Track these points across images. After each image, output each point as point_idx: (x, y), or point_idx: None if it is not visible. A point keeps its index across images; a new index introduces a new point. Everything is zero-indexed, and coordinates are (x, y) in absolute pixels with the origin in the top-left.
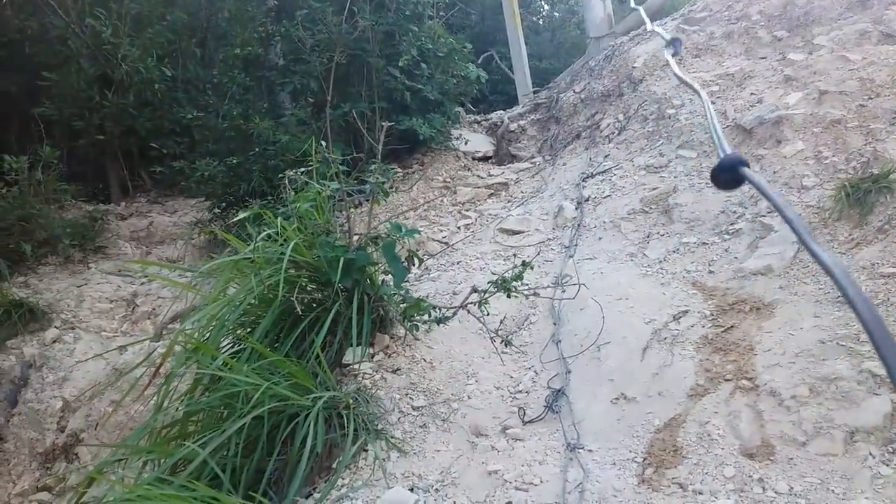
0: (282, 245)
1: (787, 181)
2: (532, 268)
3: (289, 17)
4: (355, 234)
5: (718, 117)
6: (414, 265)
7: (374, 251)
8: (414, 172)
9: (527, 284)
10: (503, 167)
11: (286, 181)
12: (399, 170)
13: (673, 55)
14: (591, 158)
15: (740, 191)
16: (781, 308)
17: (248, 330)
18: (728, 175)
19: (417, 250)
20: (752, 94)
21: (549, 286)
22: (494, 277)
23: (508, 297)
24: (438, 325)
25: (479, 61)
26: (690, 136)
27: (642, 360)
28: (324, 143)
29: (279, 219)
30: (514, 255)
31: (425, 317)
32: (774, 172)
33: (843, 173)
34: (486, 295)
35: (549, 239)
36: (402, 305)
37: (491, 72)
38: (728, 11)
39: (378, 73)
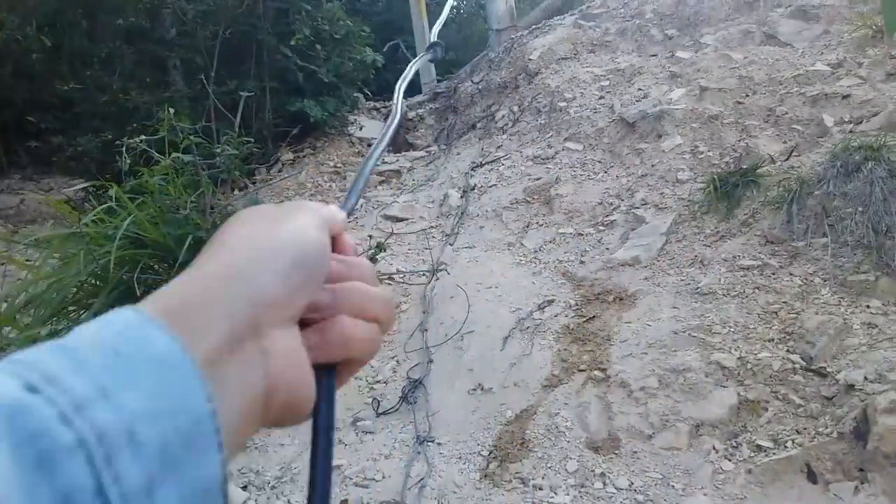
0: (123, 220)
1: (663, 174)
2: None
3: None
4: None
5: (606, 111)
6: None
7: None
8: (305, 156)
9: (402, 272)
10: (398, 155)
11: (124, 150)
12: (290, 154)
13: (430, 60)
14: (483, 149)
15: (618, 183)
16: (643, 299)
17: (80, 313)
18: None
19: None
20: (639, 89)
21: (423, 273)
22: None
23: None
24: None
25: (385, 49)
26: (578, 129)
27: (503, 350)
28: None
29: (122, 193)
30: (390, 244)
31: None
32: (653, 166)
33: (716, 168)
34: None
35: (432, 227)
36: None
37: (397, 61)
38: (624, 9)
39: (270, 52)
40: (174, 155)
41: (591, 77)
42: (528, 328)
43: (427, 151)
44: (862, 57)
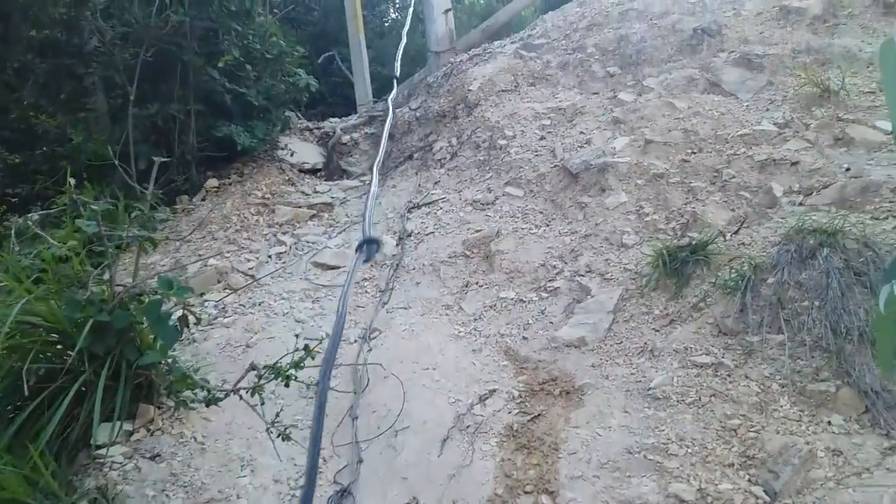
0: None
1: (608, 236)
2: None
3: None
4: (119, 286)
5: (547, 155)
6: (188, 327)
7: (137, 309)
8: (231, 184)
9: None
10: (331, 183)
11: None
12: (216, 181)
13: (364, 261)
14: (420, 184)
15: (561, 242)
16: (592, 395)
17: None
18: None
19: (219, 282)
20: (581, 132)
21: (355, 341)
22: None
23: (286, 386)
24: (208, 406)
25: (320, 61)
26: (519, 173)
27: (441, 455)
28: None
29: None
30: (320, 298)
31: (197, 393)
32: (597, 224)
33: (662, 233)
34: (262, 381)
35: (365, 279)
36: (168, 377)
37: (332, 73)
38: (565, 41)
39: (195, 73)
40: (78, 221)
41: (532, 114)
42: (468, 427)
43: (361, 181)
44: (809, 117)
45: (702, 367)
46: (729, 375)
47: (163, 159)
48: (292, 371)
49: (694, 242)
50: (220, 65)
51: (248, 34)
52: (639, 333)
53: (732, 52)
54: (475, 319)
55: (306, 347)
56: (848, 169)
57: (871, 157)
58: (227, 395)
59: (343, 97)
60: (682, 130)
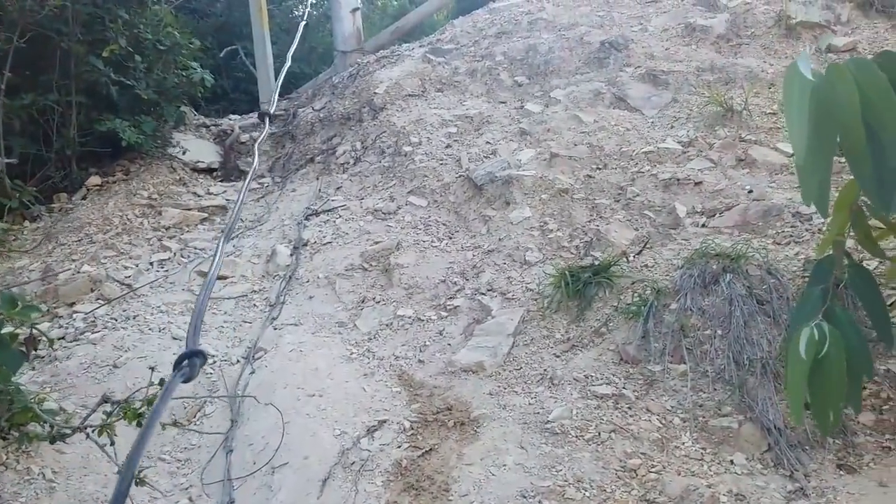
0: None
1: (511, 252)
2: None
3: None
4: None
5: (453, 164)
6: (36, 350)
7: None
8: (115, 183)
9: (213, 356)
10: (227, 184)
11: None
12: (99, 178)
13: (184, 382)
14: (321, 189)
15: (463, 257)
16: (488, 427)
17: None
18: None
19: (92, 291)
20: (487, 142)
21: (237, 361)
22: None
23: (138, 425)
24: (52, 443)
25: (222, 55)
26: (423, 182)
27: (320, 497)
28: None
29: None
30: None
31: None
32: (500, 240)
33: (566, 251)
34: (111, 420)
35: (255, 291)
36: (12, 408)
37: (235, 68)
38: (474, 47)
39: (78, 62)
40: None
41: (439, 121)
42: (352, 464)
43: (259, 183)
44: (713, 137)
45: (602, 398)
46: (630, 408)
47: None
48: (145, 409)
49: (597, 263)
50: (105, 54)
51: (138, 23)
52: (539, 359)
53: (638, 67)
54: (370, 339)
55: (161, 382)
56: (750, 191)
57: (772, 180)
58: (74, 432)
59: (247, 93)
60: (587, 145)
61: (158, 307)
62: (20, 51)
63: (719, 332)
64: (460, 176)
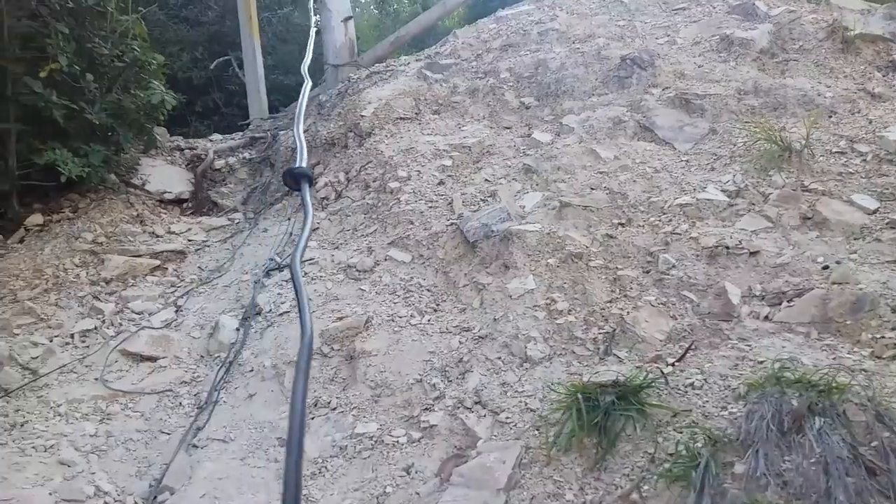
0: None
1: (508, 341)
2: None
3: None
4: None
5: (444, 208)
6: None
7: None
8: (59, 221)
9: (106, 494)
10: (194, 220)
11: None
12: (41, 217)
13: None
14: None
15: (448, 345)
16: None
17: None
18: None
19: None
20: (486, 179)
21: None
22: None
23: None
24: None
25: (213, 66)
26: (408, 230)
27: None
28: None
29: None
30: (113, 415)
31: None
32: (495, 320)
33: (579, 345)
34: None
35: (186, 381)
36: None
37: (227, 80)
38: (476, 62)
39: (14, 83)
40: None
41: (432, 151)
42: None
43: (230, 219)
44: (766, 184)
45: None
46: None
47: None
48: None
49: (622, 380)
50: (42, 75)
51: (92, 37)
52: None
53: (667, 88)
54: (313, 475)
55: None
56: (826, 267)
57: (852, 248)
58: None
59: (241, 108)
60: (606, 190)
61: (57, 407)
62: None
63: None
64: (451, 224)
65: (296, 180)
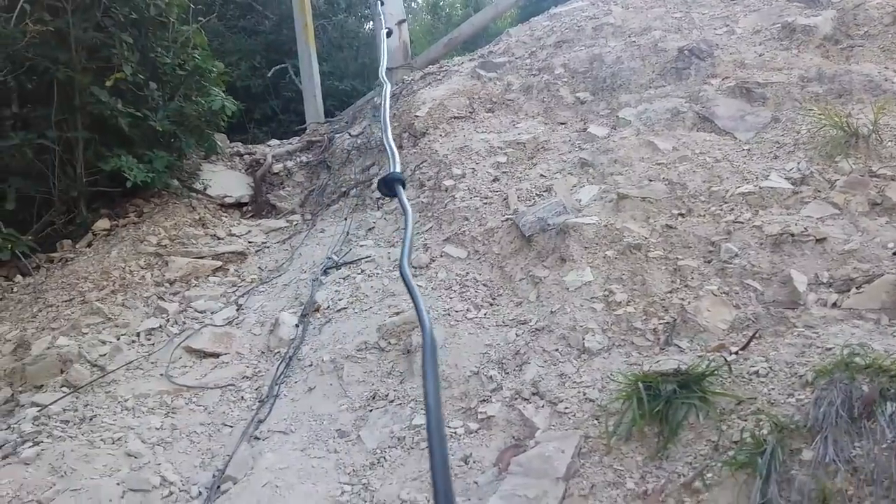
0: None
1: (566, 333)
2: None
3: None
4: None
5: (499, 204)
6: None
7: None
8: (125, 226)
9: (168, 483)
10: (254, 222)
11: None
12: (108, 222)
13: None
14: (350, 231)
15: (504, 337)
16: None
17: None
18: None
19: (61, 373)
20: (541, 175)
21: (199, 494)
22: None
23: None
24: None
25: (270, 74)
26: (463, 227)
27: None
28: None
29: None
30: (178, 409)
31: None
32: (552, 313)
33: (639, 336)
34: None
35: (247, 377)
36: None
37: (284, 87)
38: (530, 59)
39: (81, 93)
40: None
41: (487, 148)
42: None
43: (288, 220)
44: (833, 171)
45: None
46: None
47: None
48: None
49: (684, 368)
50: (108, 84)
51: (155, 46)
52: None
53: (726, 78)
54: (372, 465)
55: None
56: (895, 253)
57: None
58: None
59: (297, 113)
60: (665, 182)
61: (125, 401)
62: (17, 84)
63: (883, 502)
64: (507, 219)
65: (388, 186)
